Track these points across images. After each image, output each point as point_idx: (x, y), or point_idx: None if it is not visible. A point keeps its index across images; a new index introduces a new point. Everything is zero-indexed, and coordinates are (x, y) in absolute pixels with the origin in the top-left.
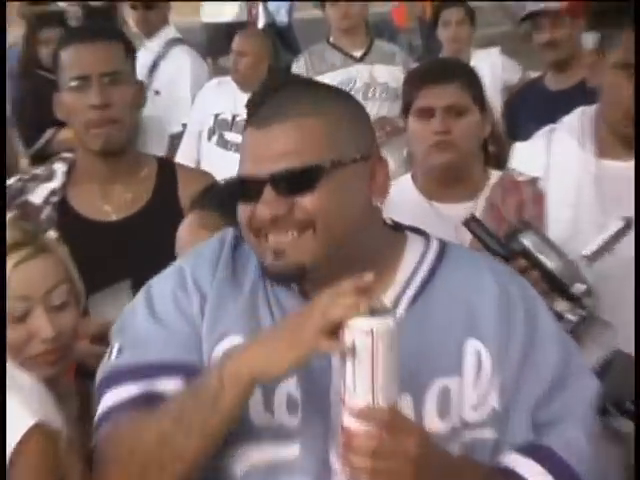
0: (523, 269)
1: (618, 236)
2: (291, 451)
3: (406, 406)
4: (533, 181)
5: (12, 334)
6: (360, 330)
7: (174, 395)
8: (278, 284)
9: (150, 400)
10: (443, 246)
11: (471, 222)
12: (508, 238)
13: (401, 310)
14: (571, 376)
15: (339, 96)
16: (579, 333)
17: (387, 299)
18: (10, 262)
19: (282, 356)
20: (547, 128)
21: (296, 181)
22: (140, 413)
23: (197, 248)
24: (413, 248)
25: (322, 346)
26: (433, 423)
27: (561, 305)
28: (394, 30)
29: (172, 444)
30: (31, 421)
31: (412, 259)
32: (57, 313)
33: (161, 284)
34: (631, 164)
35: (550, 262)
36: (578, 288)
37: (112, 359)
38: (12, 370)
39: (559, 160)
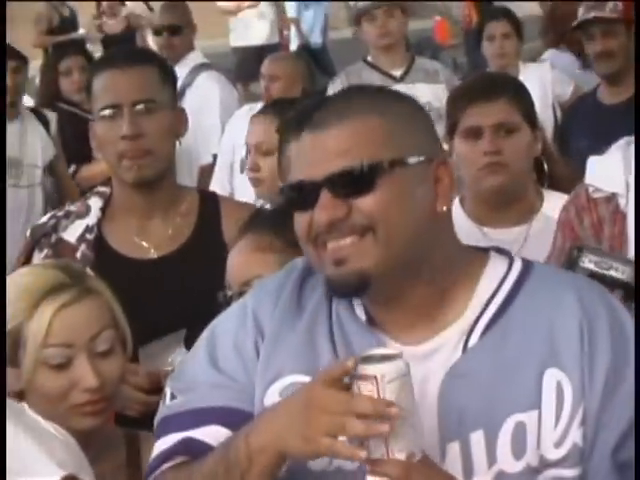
0: None
1: None
2: None
3: (477, 444)
4: (611, 198)
5: (52, 383)
6: (363, 377)
7: (208, 457)
8: (342, 297)
9: (188, 447)
10: (527, 266)
11: None
12: (569, 268)
13: (475, 337)
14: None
15: (401, 97)
16: None
17: (461, 325)
18: (52, 306)
19: (297, 443)
20: (623, 141)
21: (354, 182)
22: (177, 468)
23: (263, 280)
24: (494, 269)
25: (337, 454)
26: (507, 463)
27: None
28: (437, 47)
29: None
30: (60, 474)
31: (492, 281)
32: (102, 360)
33: (225, 323)
34: None
35: (620, 274)
36: None
37: (166, 404)
38: (41, 422)
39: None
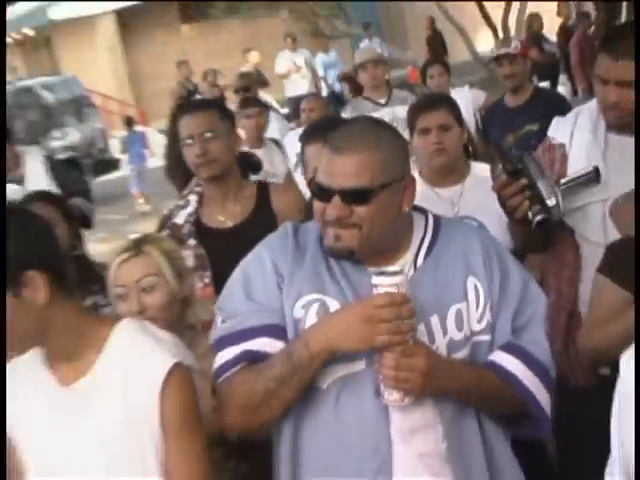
0: (509, 182)
1: (586, 177)
2: (359, 366)
3: (435, 324)
4: (562, 145)
5: (121, 309)
6: (389, 285)
7: (274, 361)
8: (335, 259)
9: (249, 355)
10: (437, 219)
11: (495, 148)
12: (517, 158)
13: (420, 261)
14: (530, 295)
15: (392, 133)
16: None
17: (409, 255)
18: (115, 262)
19: (354, 344)
20: (576, 109)
21: (357, 196)
22: (246, 370)
23: (269, 239)
24: (418, 223)
25: (377, 344)
26: (453, 333)
27: (535, 209)
28: (410, 84)
29: (278, 396)
30: (172, 361)
31: (419, 230)
32: (145, 295)
33: (249, 269)
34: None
35: (537, 179)
36: (551, 201)
37: (218, 327)
38: (157, 330)
39: (580, 132)
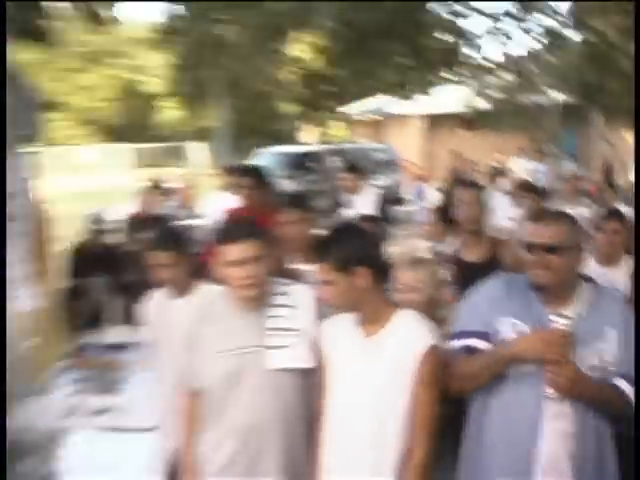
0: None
1: None
2: (531, 368)
3: (584, 353)
4: None
5: (398, 297)
6: (562, 324)
7: (483, 355)
8: (536, 290)
9: (466, 348)
10: (597, 285)
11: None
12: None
13: (581, 311)
14: (631, 344)
15: (573, 218)
16: None
17: (574, 307)
18: (402, 266)
19: (533, 355)
20: None
21: (551, 249)
22: (464, 357)
23: (492, 279)
24: (585, 285)
25: (548, 357)
26: (593, 360)
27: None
28: (590, 194)
29: (480, 377)
30: (431, 342)
31: (585, 290)
32: (411, 294)
33: (476, 293)
34: None
35: None
36: None
37: (455, 327)
38: (420, 317)
39: None
